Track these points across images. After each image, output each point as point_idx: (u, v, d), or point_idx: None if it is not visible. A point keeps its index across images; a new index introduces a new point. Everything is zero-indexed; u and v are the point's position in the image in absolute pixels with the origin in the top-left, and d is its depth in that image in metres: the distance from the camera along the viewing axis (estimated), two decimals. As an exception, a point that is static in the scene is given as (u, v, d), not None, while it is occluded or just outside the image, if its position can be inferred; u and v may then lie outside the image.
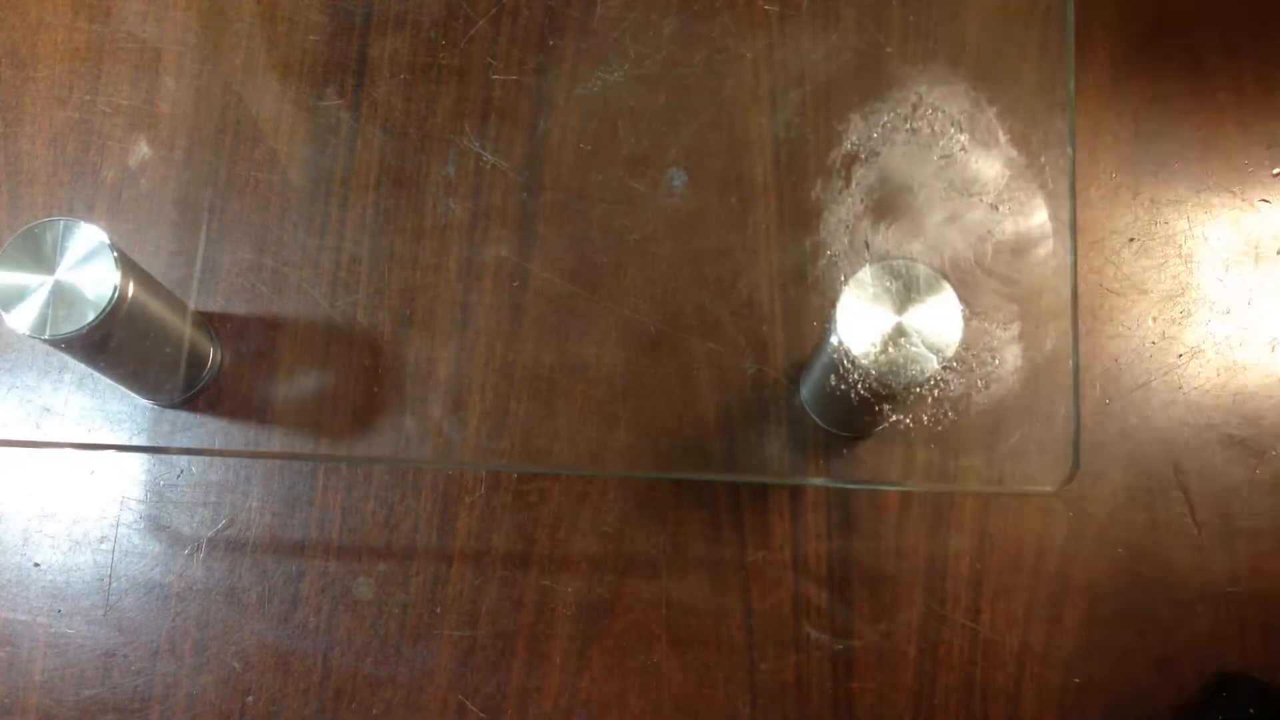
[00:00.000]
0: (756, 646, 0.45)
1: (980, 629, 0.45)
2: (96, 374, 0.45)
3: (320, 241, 0.47)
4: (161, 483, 0.46)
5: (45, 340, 0.38)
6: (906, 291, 0.36)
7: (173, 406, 0.46)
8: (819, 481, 0.35)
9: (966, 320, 0.36)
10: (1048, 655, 0.45)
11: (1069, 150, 0.35)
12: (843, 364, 0.37)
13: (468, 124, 0.48)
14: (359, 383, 0.46)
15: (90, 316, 0.38)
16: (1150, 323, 0.46)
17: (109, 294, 0.38)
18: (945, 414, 0.37)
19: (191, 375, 0.45)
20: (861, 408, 0.39)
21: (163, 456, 0.46)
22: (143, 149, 0.48)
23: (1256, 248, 0.48)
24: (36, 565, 0.45)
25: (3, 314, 0.38)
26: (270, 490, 0.46)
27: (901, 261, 0.36)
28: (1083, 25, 0.49)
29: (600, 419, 0.46)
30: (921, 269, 0.36)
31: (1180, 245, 0.47)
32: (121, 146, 0.48)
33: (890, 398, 0.37)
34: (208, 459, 0.46)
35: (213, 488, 0.46)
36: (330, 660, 0.45)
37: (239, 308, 0.47)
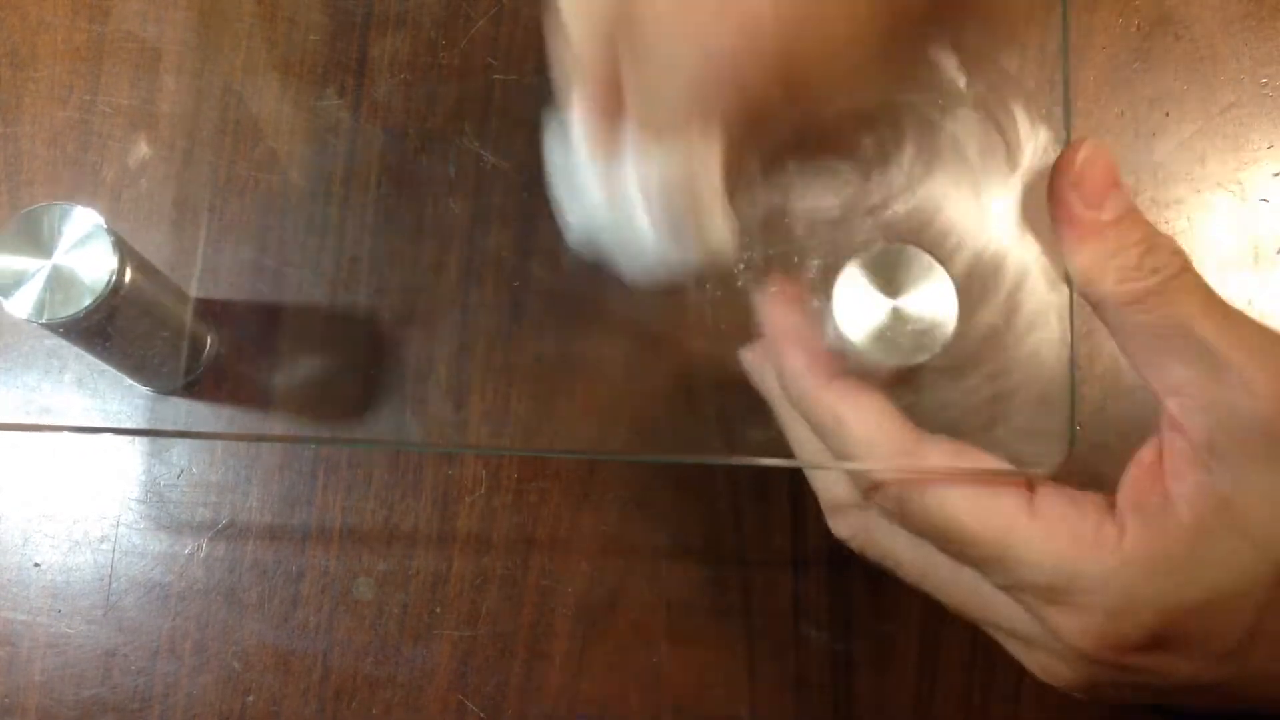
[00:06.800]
0: (756, 646, 0.45)
1: (980, 629, 0.45)
2: (96, 373, 0.45)
3: (320, 241, 0.47)
4: (161, 483, 0.46)
5: (43, 324, 0.38)
6: (901, 276, 0.36)
7: (170, 393, 0.46)
8: (813, 464, 0.35)
9: (962, 306, 0.36)
10: (1048, 655, 0.44)
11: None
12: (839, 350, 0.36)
13: (468, 124, 0.48)
14: (358, 382, 0.46)
15: (88, 301, 0.38)
16: (1150, 322, 0.46)
17: (106, 278, 0.38)
18: (939, 400, 0.37)
19: (189, 361, 0.45)
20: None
21: (163, 457, 0.46)
22: (143, 149, 0.48)
23: (1256, 248, 0.48)
24: (36, 565, 0.45)
25: (1, 300, 0.38)
26: (270, 490, 0.46)
27: (897, 247, 0.36)
28: (1082, 25, 0.49)
29: (600, 417, 0.46)
30: (916, 254, 0.36)
31: (1180, 245, 0.47)
32: (121, 146, 0.48)
33: (885, 383, 0.37)
34: (208, 460, 0.46)
35: (213, 488, 0.46)
36: (330, 660, 0.45)
37: (239, 307, 0.47)
